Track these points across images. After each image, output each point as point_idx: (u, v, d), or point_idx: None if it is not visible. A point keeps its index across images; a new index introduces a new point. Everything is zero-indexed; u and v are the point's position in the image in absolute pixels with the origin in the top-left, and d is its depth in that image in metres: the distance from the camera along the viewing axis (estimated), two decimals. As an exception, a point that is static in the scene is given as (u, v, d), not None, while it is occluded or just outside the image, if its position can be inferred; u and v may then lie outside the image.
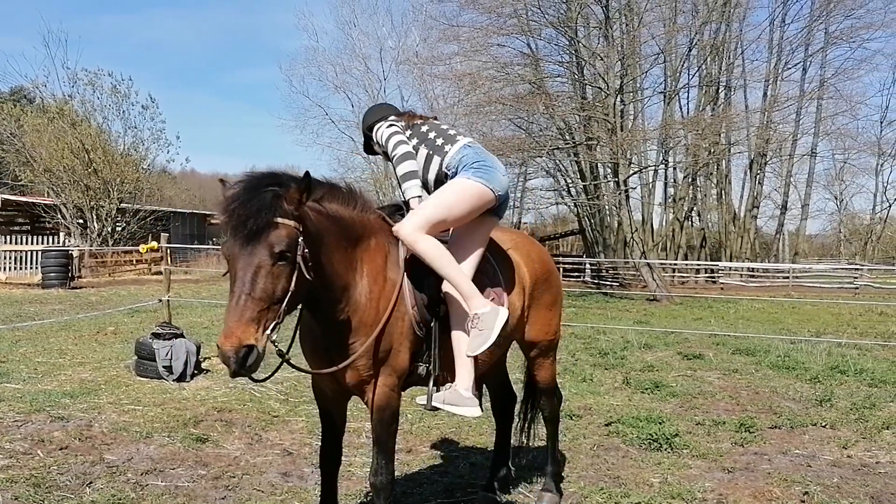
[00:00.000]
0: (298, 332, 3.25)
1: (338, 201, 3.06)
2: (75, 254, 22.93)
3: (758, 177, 34.23)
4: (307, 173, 2.71)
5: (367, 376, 3.09)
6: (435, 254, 3.12)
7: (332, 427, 3.45)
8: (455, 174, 3.30)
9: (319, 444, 3.55)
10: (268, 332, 2.56)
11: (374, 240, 3.15)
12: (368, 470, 4.51)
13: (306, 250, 2.69)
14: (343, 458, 3.63)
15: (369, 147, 3.69)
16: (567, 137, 24.92)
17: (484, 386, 4.17)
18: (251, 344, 2.48)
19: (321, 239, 2.84)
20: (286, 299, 2.61)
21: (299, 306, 2.94)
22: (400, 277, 3.16)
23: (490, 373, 4.02)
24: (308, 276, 2.69)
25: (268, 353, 2.63)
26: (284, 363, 2.87)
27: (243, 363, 2.47)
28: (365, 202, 3.22)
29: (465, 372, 3.25)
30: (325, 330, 3.06)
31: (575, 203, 29.41)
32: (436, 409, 3.26)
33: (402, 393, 3.32)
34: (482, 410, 3.34)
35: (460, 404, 3.21)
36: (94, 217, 28.09)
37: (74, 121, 28.46)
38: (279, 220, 2.61)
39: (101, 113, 29.83)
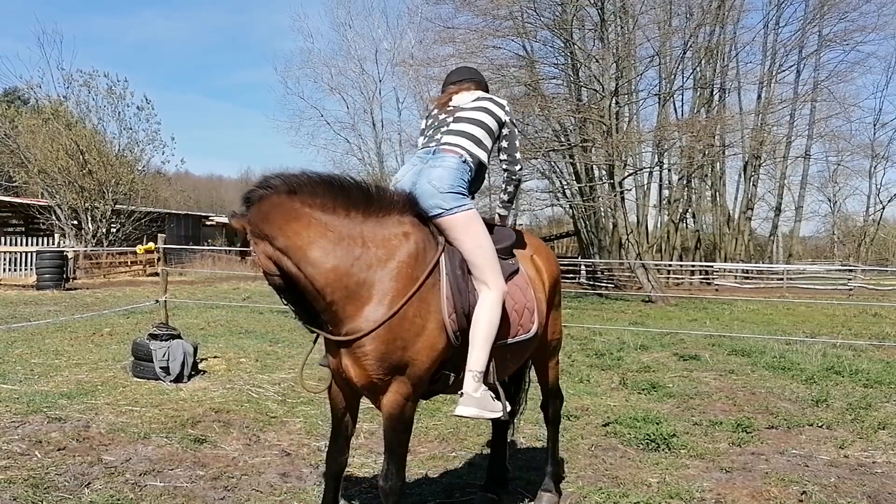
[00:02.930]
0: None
1: (335, 201, 3.03)
2: (70, 255, 22.85)
3: (752, 179, 34.42)
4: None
5: (377, 379, 3.02)
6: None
7: (342, 429, 3.41)
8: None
9: (321, 444, 3.55)
10: None
11: (404, 242, 3.10)
12: (366, 471, 4.55)
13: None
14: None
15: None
16: (562, 139, 24.92)
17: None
18: None
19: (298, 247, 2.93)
20: None
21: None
22: (437, 281, 3.12)
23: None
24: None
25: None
26: None
27: None
28: (389, 203, 3.16)
29: (479, 357, 3.17)
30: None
31: (570, 205, 29.40)
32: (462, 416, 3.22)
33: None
34: (504, 412, 3.27)
35: (485, 408, 3.18)
36: (89, 218, 28.01)
37: (69, 122, 28.44)
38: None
39: (97, 114, 29.90)
